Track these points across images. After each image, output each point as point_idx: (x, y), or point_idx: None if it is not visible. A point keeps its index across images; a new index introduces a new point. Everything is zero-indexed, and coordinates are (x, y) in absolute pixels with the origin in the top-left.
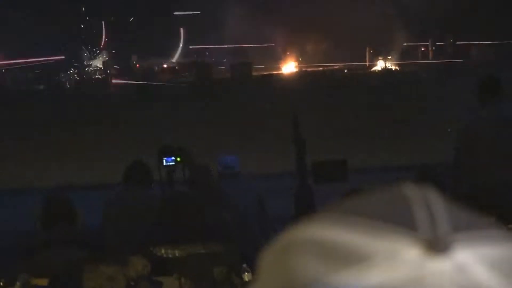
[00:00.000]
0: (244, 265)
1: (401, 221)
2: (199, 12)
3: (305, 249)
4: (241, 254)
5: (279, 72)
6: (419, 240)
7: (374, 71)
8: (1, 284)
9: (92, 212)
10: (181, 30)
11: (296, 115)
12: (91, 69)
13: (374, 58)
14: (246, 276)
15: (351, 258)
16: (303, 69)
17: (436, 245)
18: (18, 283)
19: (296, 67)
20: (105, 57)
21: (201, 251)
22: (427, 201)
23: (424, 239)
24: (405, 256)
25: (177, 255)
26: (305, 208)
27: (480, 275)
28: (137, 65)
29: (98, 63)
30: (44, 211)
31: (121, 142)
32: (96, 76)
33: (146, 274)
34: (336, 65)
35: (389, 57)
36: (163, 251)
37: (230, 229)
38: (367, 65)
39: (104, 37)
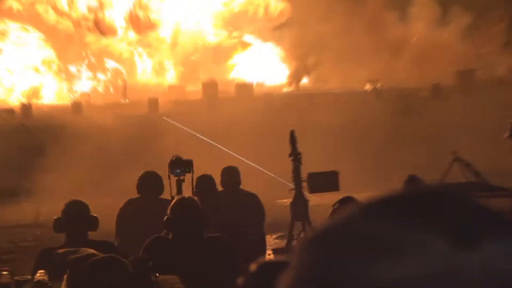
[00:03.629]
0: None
1: (433, 216)
2: None
3: (337, 240)
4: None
5: None
6: (449, 234)
7: None
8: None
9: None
10: None
11: (293, 131)
12: None
13: None
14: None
15: (384, 250)
16: None
17: (465, 239)
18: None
19: None
20: None
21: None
22: (458, 199)
23: (453, 233)
24: (436, 248)
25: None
26: (300, 215)
27: (508, 268)
28: None
29: None
30: (62, 216)
31: None
32: None
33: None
34: None
35: None
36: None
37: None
38: None
39: None
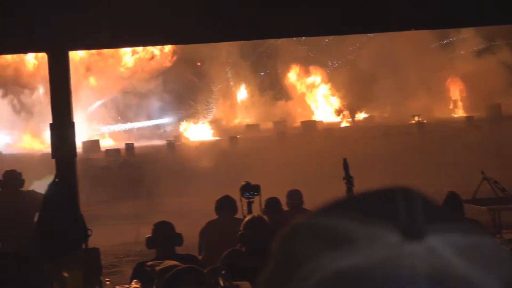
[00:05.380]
0: None
1: (385, 212)
2: None
3: (302, 233)
4: None
5: None
6: (398, 227)
7: None
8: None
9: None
10: None
11: (345, 158)
12: None
13: None
14: None
15: (341, 241)
16: None
17: (412, 232)
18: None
19: None
20: None
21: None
22: (408, 196)
23: (402, 227)
24: (385, 240)
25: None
26: None
27: (448, 258)
28: None
29: None
30: (152, 235)
31: None
32: None
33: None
34: None
35: None
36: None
37: None
38: None
39: None
